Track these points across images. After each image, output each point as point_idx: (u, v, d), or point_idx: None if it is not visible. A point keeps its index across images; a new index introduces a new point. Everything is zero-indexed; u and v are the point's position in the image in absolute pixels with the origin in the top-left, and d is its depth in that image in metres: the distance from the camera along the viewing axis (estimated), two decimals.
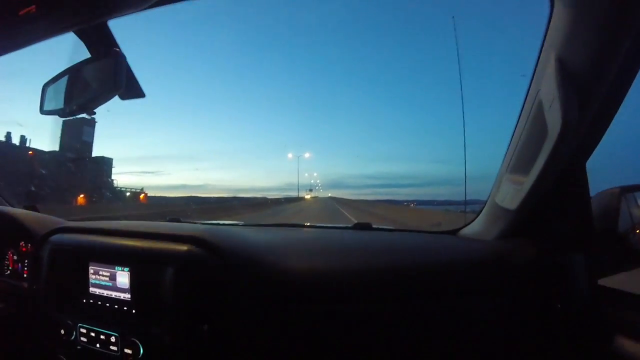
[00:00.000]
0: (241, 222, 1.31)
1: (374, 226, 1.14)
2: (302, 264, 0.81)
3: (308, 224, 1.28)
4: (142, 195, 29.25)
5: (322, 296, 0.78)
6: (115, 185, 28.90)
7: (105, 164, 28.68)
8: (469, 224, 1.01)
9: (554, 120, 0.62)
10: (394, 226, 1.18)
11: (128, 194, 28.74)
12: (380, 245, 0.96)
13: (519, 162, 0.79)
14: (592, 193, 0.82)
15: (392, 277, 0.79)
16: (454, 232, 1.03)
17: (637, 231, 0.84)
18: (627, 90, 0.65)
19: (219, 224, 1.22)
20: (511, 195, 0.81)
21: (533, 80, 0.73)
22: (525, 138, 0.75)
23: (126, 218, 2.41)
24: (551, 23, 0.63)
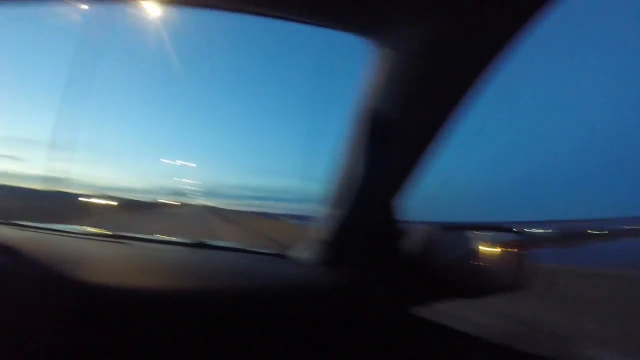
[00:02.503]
0: (65, 227, 1.11)
1: (208, 243, 1.08)
2: (114, 280, 0.71)
3: (136, 235, 1.09)
4: None
5: (136, 318, 0.68)
6: None
7: None
8: (302, 246, 0.98)
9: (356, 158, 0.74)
10: (230, 244, 1.15)
11: None
12: (211, 265, 0.90)
13: (334, 193, 0.84)
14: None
15: (215, 301, 0.72)
16: (284, 254, 1.00)
17: (451, 266, 0.88)
18: (435, 132, 0.70)
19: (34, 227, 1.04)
20: (325, 224, 0.85)
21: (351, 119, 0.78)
22: (341, 172, 0.81)
23: None
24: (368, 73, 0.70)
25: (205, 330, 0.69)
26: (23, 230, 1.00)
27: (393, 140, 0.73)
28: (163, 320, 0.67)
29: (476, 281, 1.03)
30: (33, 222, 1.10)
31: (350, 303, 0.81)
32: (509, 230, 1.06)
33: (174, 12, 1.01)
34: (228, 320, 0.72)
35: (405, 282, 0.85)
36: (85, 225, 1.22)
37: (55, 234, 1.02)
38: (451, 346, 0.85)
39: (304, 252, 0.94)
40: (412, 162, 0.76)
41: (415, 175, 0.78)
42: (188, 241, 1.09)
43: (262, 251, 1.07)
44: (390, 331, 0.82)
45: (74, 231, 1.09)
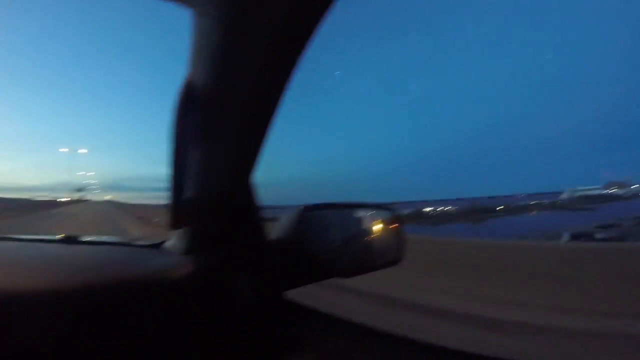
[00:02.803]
0: None
1: (83, 239, 1.09)
2: None
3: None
4: None
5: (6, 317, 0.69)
6: None
7: None
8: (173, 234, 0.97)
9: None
10: (106, 238, 1.15)
11: None
12: (84, 260, 0.90)
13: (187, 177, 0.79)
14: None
15: (78, 294, 0.73)
16: (159, 245, 1.00)
17: (317, 246, 0.88)
18: (273, 108, 0.68)
19: None
20: (185, 209, 0.81)
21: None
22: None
23: None
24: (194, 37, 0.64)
25: (68, 323, 0.70)
26: None
27: (226, 118, 0.70)
28: (26, 316, 0.68)
29: (356, 260, 1.05)
30: None
31: (213, 289, 0.80)
32: (386, 208, 1.11)
33: None
34: (90, 313, 0.72)
35: (274, 266, 0.84)
36: None
37: None
38: (321, 331, 0.87)
39: (175, 241, 0.92)
40: (253, 140, 0.73)
41: (258, 153, 0.76)
42: (56, 237, 1.09)
43: (136, 243, 1.07)
44: (257, 317, 0.82)
45: None
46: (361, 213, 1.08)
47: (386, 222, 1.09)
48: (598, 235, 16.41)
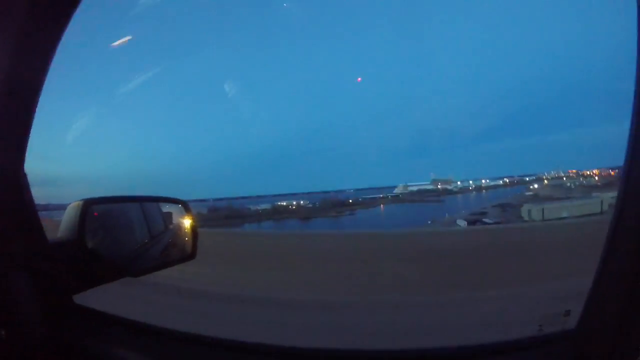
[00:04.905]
0: None
1: None
2: None
3: None
4: None
5: None
6: None
7: None
8: None
9: None
10: None
11: None
12: None
13: None
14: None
15: None
16: None
17: (105, 244, 0.87)
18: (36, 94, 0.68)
19: None
20: None
21: None
22: None
23: None
24: None
25: None
26: None
27: None
28: None
29: (148, 257, 1.05)
30: None
31: None
32: (177, 202, 1.13)
33: None
34: None
35: (58, 268, 0.77)
36: None
37: None
38: (112, 335, 0.83)
39: None
40: (11, 134, 0.70)
41: (23, 148, 0.72)
42: None
43: None
44: (41, 322, 0.75)
45: None
46: (152, 208, 1.08)
47: (179, 217, 1.11)
48: (486, 220, 19.66)
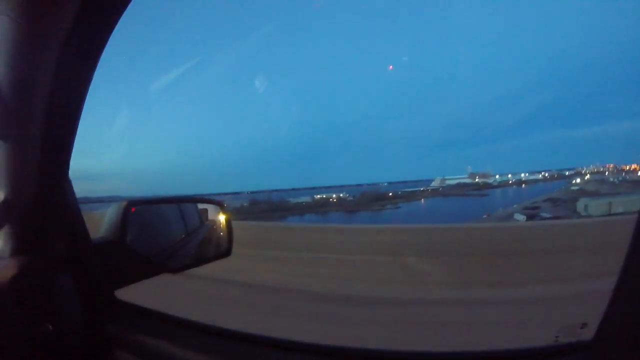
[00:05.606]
0: None
1: None
2: None
3: None
4: None
5: None
6: None
7: None
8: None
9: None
10: None
11: None
12: None
13: None
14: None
15: None
16: None
17: (144, 242, 0.90)
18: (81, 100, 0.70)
19: None
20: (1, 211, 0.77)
21: None
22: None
23: None
24: None
25: None
26: None
27: (28, 116, 0.68)
28: None
29: (186, 255, 1.08)
30: None
31: (34, 292, 0.75)
32: (214, 202, 1.15)
33: None
34: None
35: (100, 265, 0.82)
36: None
37: None
38: (147, 327, 0.86)
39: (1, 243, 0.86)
40: (60, 135, 0.72)
41: (68, 149, 0.75)
42: None
43: None
44: (84, 317, 0.80)
45: None
46: (188, 207, 1.11)
47: (215, 215, 1.13)
48: (544, 214, 18.44)
